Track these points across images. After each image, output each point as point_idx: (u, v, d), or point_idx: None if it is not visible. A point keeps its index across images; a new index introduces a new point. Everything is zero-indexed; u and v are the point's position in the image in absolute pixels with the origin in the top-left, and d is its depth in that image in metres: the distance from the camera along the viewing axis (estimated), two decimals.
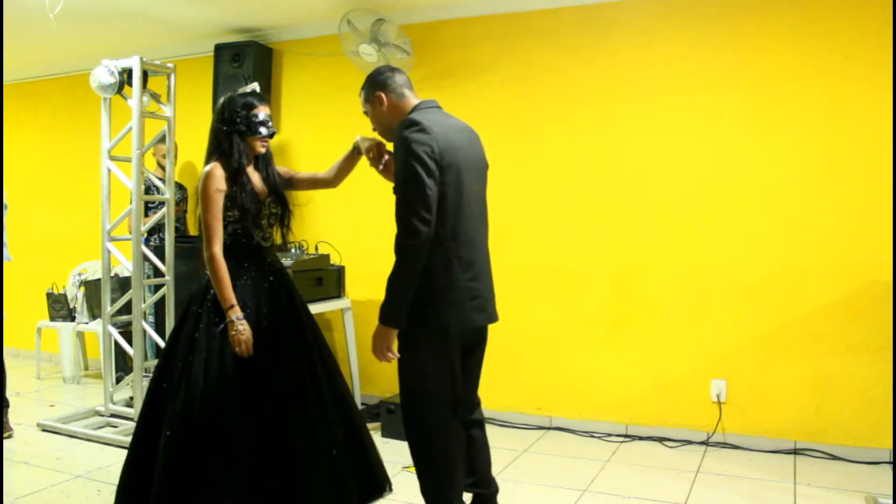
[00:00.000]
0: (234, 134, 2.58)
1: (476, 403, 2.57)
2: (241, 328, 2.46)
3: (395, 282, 2.22)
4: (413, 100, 2.45)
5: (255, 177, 2.66)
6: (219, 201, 2.51)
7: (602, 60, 4.06)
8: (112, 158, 4.04)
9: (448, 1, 4.27)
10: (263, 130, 2.61)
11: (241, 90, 2.66)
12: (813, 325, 3.66)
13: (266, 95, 2.70)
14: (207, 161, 2.61)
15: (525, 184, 4.23)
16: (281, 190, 2.73)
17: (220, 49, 4.83)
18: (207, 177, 2.53)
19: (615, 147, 4.04)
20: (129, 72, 3.90)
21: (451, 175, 2.26)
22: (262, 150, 2.66)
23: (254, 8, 4.46)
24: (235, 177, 2.56)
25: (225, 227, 2.55)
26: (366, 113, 2.51)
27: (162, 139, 4.15)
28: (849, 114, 3.59)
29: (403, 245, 2.19)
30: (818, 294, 3.64)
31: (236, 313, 2.47)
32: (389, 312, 2.25)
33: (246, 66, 4.72)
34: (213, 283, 2.51)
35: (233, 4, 4.38)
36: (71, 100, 5.77)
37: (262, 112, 2.61)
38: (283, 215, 2.74)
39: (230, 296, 2.48)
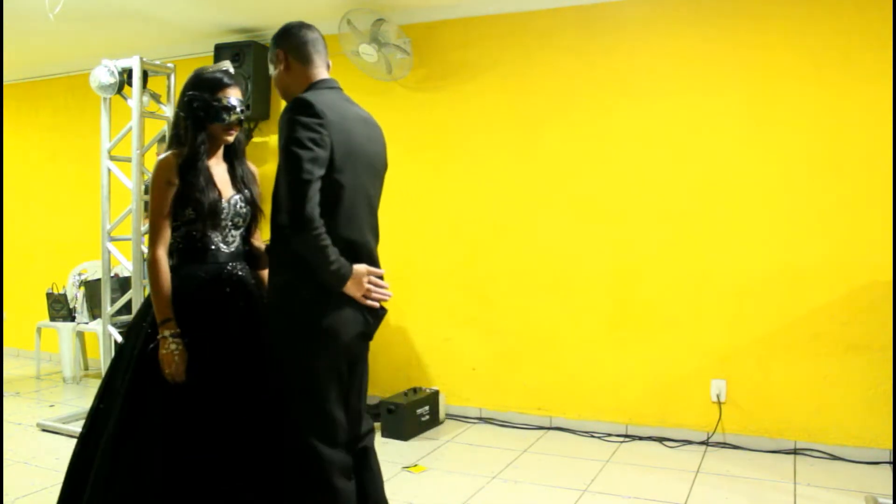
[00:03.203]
0: (190, 119, 2.19)
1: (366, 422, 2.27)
2: (174, 347, 2.06)
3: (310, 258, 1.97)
4: (320, 70, 2.14)
5: (217, 171, 2.26)
6: (167, 195, 2.15)
7: (601, 60, 4.06)
8: (112, 158, 4.04)
9: (448, 1, 4.27)
10: (226, 117, 2.19)
11: (209, 68, 2.28)
12: (813, 325, 3.65)
13: (241, 80, 2.28)
14: (165, 150, 2.27)
15: (525, 183, 4.23)
16: (250, 188, 2.32)
17: (220, 49, 4.83)
18: (157, 167, 2.18)
19: (615, 147, 4.04)
20: (129, 72, 3.90)
21: (344, 172, 2.00)
22: (229, 140, 2.25)
23: (254, 8, 4.45)
24: (189, 168, 2.17)
25: (178, 227, 2.21)
26: (271, 74, 2.20)
27: (164, 139, 4.15)
28: (849, 113, 3.59)
29: (304, 237, 1.91)
30: (818, 294, 3.64)
31: (171, 329, 2.08)
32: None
33: (246, 66, 4.73)
34: (150, 290, 2.14)
35: (233, 4, 4.38)
36: (71, 100, 5.77)
37: (229, 95, 2.20)
38: (253, 217, 2.34)
39: (166, 307, 2.10)
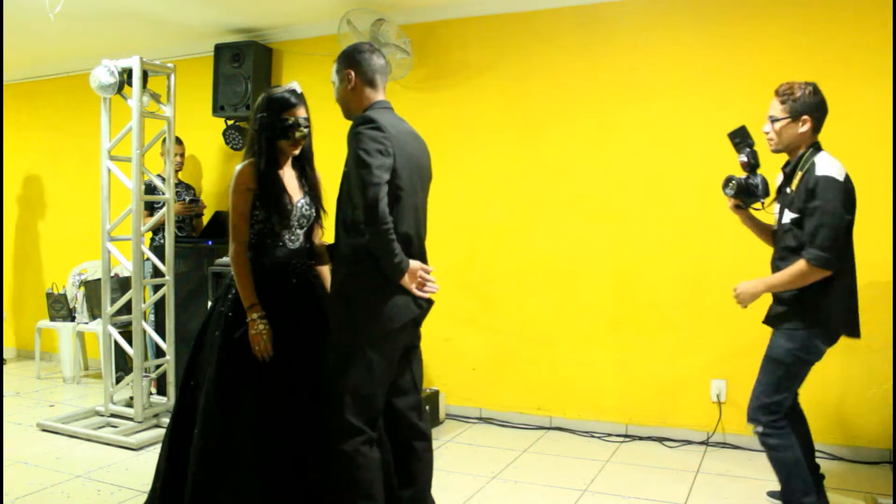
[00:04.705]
0: (263, 135, 2.53)
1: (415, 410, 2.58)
2: (262, 328, 2.42)
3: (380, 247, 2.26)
4: (379, 93, 2.45)
5: (288, 177, 2.60)
6: (246, 199, 2.50)
7: (601, 60, 4.06)
8: (112, 158, 4.04)
9: (448, 1, 4.27)
10: (291, 134, 2.54)
11: (278, 89, 2.60)
12: None
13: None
14: (243, 160, 2.58)
15: (525, 183, 4.24)
16: (316, 191, 2.66)
17: (220, 49, 4.83)
18: (238, 175, 2.51)
19: (615, 147, 4.04)
20: (129, 72, 3.90)
21: (402, 178, 2.30)
22: (295, 152, 2.60)
23: (254, 8, 4.46)
24: (265, 177, 2.52)
25: (252, 225, 2.53)
26: (333, 82, 2.50)
27: (164, 140, 4.15)
28: (848, 113, 3.58)
29: (377, 231, 2.21)
30: None
31: (258, 312, 2.44)
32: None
33: (246, 66, 4.72)
34: (235, 282, 2.50)
35: (233, 4, 4.38)
36: (71, 100, 5.77)
37: (293, 114, 2.53)
38: (316, 218, 2.66)
39: (252, 294, 2.45)
